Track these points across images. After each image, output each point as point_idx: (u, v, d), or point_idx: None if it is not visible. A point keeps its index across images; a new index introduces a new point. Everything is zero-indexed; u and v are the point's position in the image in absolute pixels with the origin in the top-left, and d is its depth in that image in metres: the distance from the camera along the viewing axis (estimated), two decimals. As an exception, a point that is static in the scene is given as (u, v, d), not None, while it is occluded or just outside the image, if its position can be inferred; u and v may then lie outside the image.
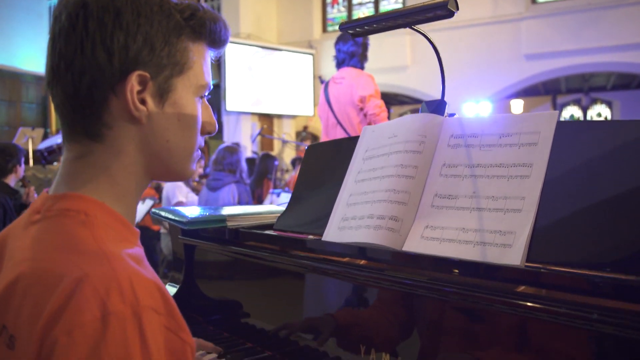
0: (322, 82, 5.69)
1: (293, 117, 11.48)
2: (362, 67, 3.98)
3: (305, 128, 11.77)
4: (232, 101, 10.47)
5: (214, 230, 1.61)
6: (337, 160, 1.49)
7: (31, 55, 10.08)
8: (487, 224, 1.10)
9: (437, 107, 1.31)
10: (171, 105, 0.80)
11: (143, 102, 0.77)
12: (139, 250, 0.76)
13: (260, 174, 5.99)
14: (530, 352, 0.90)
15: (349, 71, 3.95)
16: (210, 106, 0.92)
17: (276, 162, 6.08)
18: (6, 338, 0.69)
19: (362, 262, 1.19)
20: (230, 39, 0.94)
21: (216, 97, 10.15)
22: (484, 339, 0.96)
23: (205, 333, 1.49)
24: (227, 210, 1.75)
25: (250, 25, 11.03)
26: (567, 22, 9.22)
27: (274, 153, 8.52)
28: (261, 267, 1.48)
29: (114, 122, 0.77)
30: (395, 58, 10.33)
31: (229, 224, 1.63)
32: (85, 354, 0.61)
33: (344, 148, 1.48)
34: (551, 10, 9.53)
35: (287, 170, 8.13)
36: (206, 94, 0.88)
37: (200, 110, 0.86)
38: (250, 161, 6.44)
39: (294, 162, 7.05)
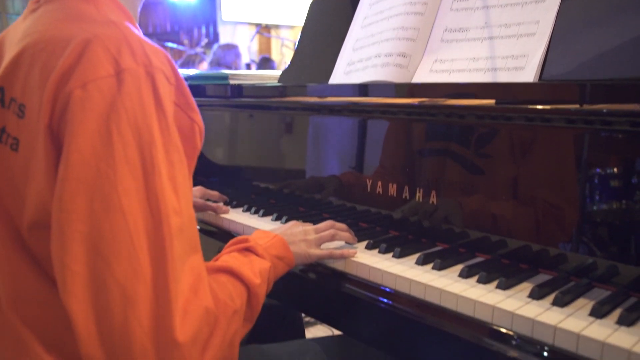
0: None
1: (291, 27, 11.15)
2: None
3: (303, 40, 11.40)
4: (228, 10, 10.10)
5: (216, 87, 1.58)
6: (341, 13, 1.44)
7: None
8: (499, 51, 1.07)
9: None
10: None
11: None
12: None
13: (259, 79, 5.84)
14: (544, 162, 0.90)
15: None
16: None
17: (275, 64, 5.94)
18: (16, 108, 0.67)
19: (372, 98, 1.17)
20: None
21: (212, 6, 9.80)
22: (500, 158, 0.96)
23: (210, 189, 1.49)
24: (228, 72, 1.72)
25: None
26: None
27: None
28: (265, 120, 1.47)
29: None
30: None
31: (232, 81, 1.60)
32: (102, 109, 0.60)
33: (349, 1, 1.42)
34: None
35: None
36: None
37: None
38: (247, 67, 6.29)
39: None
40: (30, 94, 0.66)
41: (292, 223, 1.00)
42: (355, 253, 0.96)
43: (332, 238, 0.99)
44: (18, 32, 0.74)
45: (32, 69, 0.66)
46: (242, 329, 0.76)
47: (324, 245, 0.98)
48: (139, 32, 0.69)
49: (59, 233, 0.60)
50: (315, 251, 0.94)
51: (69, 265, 0.59)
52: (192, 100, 0.73)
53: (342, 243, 1.02)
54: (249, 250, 0.84)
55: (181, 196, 0.65)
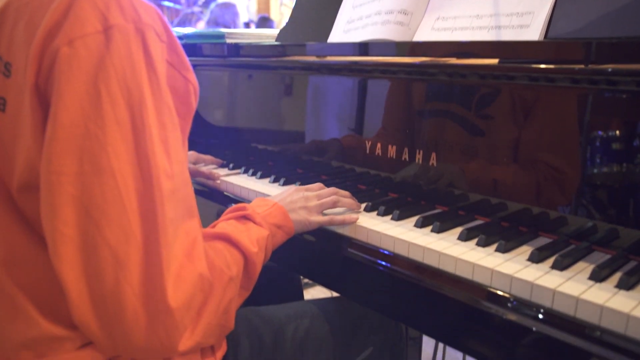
0: None
1: (290, -14, 10.88)
2: None
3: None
4: (226, -33, 9.84)
5: (212, 47, 1.54)
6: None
7: None
8: (503, 8, 1.04)
9: None
10: None
11: None
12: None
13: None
14: (547, 123, 0.88)
15: None
16: None
17: (274, 24, 5.82)
18: (2, 67, 0.65)
19: (372, 57, 1.14)
20: None
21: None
22: (502, 119, 0.94)
23: (210, 152, 1.47)
24: (225, 30, 1.67)
25: None
26: None
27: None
28: (263, 80, 1.44)
29: None
30: None
31: (228, 40, 1.56)
32: (90, 67, 0.58)
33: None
34: None
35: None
36: None
37: None
38: (246, 27, 6.16)
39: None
40: (15, 52, 0.63)
41: (293, 188, 0.98)
42: (357, 219, 0.94)
43: (334, 205, 0.97)
44: None
45: (17, 24, 0.63)
46: (239, 297, 0.75)
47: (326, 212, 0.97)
48: None
49: (48, 195, 0.58)
50: (316, 218, 0.93)
51: (59, 228, 0.58)
52: (186, 59, 0.70)
53: (344, 209, 1.00)
54: (246, 218, 0.83)
55: (173, 158, 0.63)
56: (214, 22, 4.44)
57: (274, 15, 8.61)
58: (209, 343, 0.70)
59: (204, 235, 0.75)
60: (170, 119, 0.64)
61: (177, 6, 6.92)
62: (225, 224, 0.80)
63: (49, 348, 0.66)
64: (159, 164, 0.61)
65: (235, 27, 4.46)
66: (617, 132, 0.81)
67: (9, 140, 0.64)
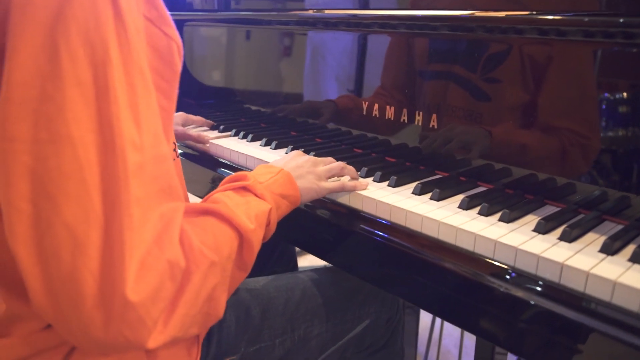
0: None
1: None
2: None
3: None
4: None
5: (202, 0, 1.45)
6: None
7: None
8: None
9: None
10: None
11: None
12: None
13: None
14: (555, 83, 0.81)
15: None
16: None
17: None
18: None
19: (372, 11, 1.06)
20: None
21: None
22: (507, 78, 0.87)
23: (199, 113, 1.40)
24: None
25: None
26: None
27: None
28: (256, 37, 1.35)
29: None
30: None
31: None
32: (47, 18, 0.50)
33: None
34: None
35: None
36: None
37: None
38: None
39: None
40: None
41: (295, 153, 0.90)
42: (367, 185, 0.87)
43: (341, 171, 0.90)
44: None
45: None
46: (232, 280, 0.67)
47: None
48: None
49: (2, 164, 0.51)
50: (326, 184, 0.85)
51: (13, 202, 0.51)
52: (167, 13, 0.62)
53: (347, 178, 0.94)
54: (246, 189, 0.74)
55: (144, 128, 0.55)
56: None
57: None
58: (191, 334, 0.62)
59: (192, 209, 0.67)
60: (143, 82, 0.55)
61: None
62: (221, 196, 0.71)
63: (13, 327, 0.61)
64: (124, 132, 0.53)
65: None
66: (631, 93, 0.74)
67: None
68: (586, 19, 0.74)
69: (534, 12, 0.80)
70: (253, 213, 0.70)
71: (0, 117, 0.51)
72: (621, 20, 0.71)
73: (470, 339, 1.76)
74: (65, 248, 0.51)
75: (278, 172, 0.79)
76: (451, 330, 1.92)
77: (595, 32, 0.74)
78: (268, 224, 0.73)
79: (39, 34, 0.50)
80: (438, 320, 1.76)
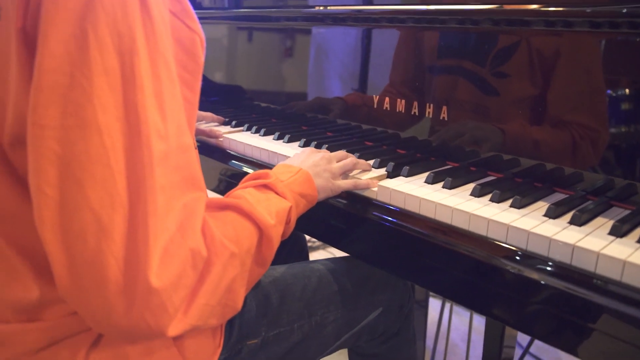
0: None
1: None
2: None
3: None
4: None
5: (211, -1, 1.48)
6: None
7: None
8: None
9: None
10: None
11: None
12: None
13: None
14: (561, 73, 0.84)
15: None
16: None
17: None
18: None
19: (379, 6, 1.08)
20: None
21: None
22: (515, 70, 0.89)
23: (210, 110, 1.43)
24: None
25: None
26: None
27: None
28: (267, 34, 1.38)
29: None
30: None
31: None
32: (77, 8, 0.52)
33: None
34: None
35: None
36: None
37: None
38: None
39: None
40: None
41: (309, 150, 0.93)
42: (378, 183, 0.90)
43: (354, 167, 0.92)
44: None
45: None
46: (251, 275, 0.68)
47: None
48: None
49: (33, 150, 0.53)
50: (341, 182, 0.88)
51: (41, 187, 0.53)
52: (190, 8, 0.65)
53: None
54: (267, 187, 0.76)
55: (169, 118, 0.56)
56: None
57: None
58: (210, 325, 0.63)
59: (215, 204, 0.69)
60: (168, 73, 0.57)
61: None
62: (242, 192, 0.73)
63: (43, 310, 0.63)
64: (150, 120, 0.54)
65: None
66: (636, 84, 0.77)
67: (0, 92, 0.59)
68: (589, 9, 0.76)
69: (541, 3, 0.82)
70: (274, 210, 0.71)
71: (31, 103, 0.53)
72: (624, 10, 0.73)
73: (477, 333, 1.78)
74: (90, 232, 0.52)
75: (297, 171, 0.82)
76: (458, 325, 1.94)
77: (601, 23, 0.77)
78: (288, 222, 0.75)
79: (69, 23, 0.52)
80: (446, 314, 1.78)
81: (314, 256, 2.36)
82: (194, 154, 0.63)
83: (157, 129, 0.55)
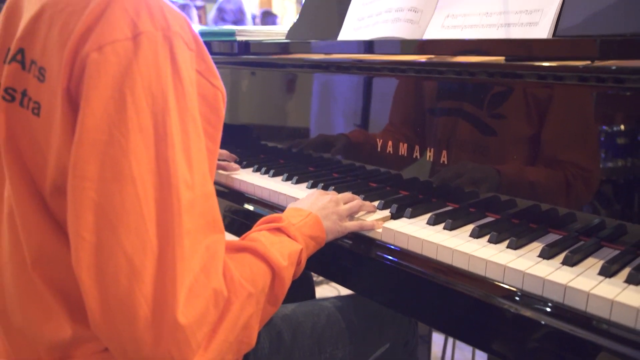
0: None
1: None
2: None
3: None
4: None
5: (222, 44, 1.56)
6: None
7: None
8: (512, 6, 1.05)
9: None
10: None
11: None
12: None
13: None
14: (555, 121, 0.90)
15: None
16: None
17: (277, 19, 5.82)
18: (36, 71, 0.66)
19: (378, 55, 1.15)
20: None
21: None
22: (511, 116, 0.95)
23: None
24: (236, 28, 1.69)
25: None
26: None
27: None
28: (273, 77, 1.45)
29: None
30: None
31: (239, 37, 1.57)
32: (117, 73, 0.59)
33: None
34: None
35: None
36: None
37: None
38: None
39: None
40: (49, 57, 0.64)
41: (317, 192, 0.99)
42: (382, 225, 0.95)
43: (359, 209, 0.98)
44: None
45: (51, 30, 0.64)
46: (264, 313, 0.74)
47: None
48: None
49: (72, 199, 0.59)
50: (348, 224, 0.93)
51: (80, 232, 0.59)
52: (213, 66, 0.72)
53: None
54: (280, 230, 0.82)
55: (195, 169, 0.63)
56: (219, 17, 4.44)
57: (276, 9, 8.60)
58: None
59: (232, 246, 0.75)
60: (195, 129, 0.64)
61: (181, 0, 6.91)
62: (257, 235, 0.79)
63: (74, 349, 0.67)
64: (179, 173, 0.61)
65: (245, 19, 4.46)
66: (623, 128, 0.83)
67: (43, 144, 0.65)
68: (581, 65, 0.83)
69: (533, 59, 0.89)
70: (286, 252, 0.77)
71: (72, 158, 0.60)
72: (614, 67, 0.79)
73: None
74: (123, 274, 0.58)
75: (307, 215, 0.88)
76: (462, 353, 1.96)
77: (589, 77, 0.83)
78: (299, 263, 0.81)
79: (109, 87, 0.59)
80: (449, 350, 1.81)
81: (318, 290, 2.39)
82: (216, 198, 0.69)
83: (185, 180, 0.62)
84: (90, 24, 0.60)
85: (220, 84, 0.72)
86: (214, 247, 0.65)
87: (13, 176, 0.68)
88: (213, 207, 0.67)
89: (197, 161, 0.64)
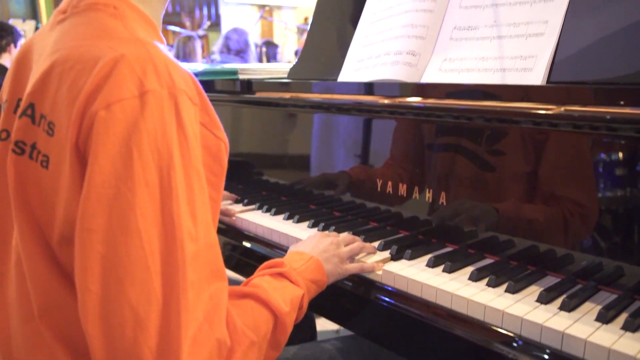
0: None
1: (294, 8, 11.04)
2: None
3: (306, 20, 11.35)
4: (230, -9, 10.00)
5: (224, 83, 1.59)
6: (351, 6, 1.44)
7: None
8: (507, 51, 1.08)
9: None
10: None
11: None
12: (169, 51, 0.75)
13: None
14: (552, 165, 0.92)
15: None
16: None
17: (278, 49, 5.92)
18: (45, 126, 0.68)
19: (377, 97, 1.18)
20: None
21: (213, -14, 9.70)
22: (508, 159, 0.98)
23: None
24: (238, 66, 1.72)
25: None
26: None
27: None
28: (275, 116, 1.48)
29: None
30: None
31: (241, 76, 1.61)
32: (124, 130, 0.61)
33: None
34: None
35: (289, 62, 7.90)
36: None
37: None
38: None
39: (296, 54, 6.87)
40: (58, 112, 0.67)
41: (319, 234, 1.00)
42: (382, 267, 0.97)
43: (360, 250, 1.00)
44: (46, 43, 0.74)
45: (61, 86, 0.67)
46: (266, 357, 0.75)
47: None
48: (164, 49, 0.70)
49: (80, 251, 0.61)
50: (348, 266, 0.95)
51: (86, 283, 0.60)
52: (216, 117, 0.74)
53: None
54: (282, 275, 0.83)
55: (199, 222, 0.65)
56: (224, 45, 4.51)
57: (277, 39, 8.74)
58: None
59: (235, 292, 0.76)
60: (199, 182, 0.66)
61: (182, 30, 7.05)
62: (260, 280, 0.80)
63: None
64: (184, 226, 0.62)
65: (249, 49, 4.54)
66: (620, 172, 0.85)
67: (51, 196, 0.67)
68: (576, 114, 0.85)
69: (529, 105, 0.92)
70: (288, 297, 0.79)
71: (80, 210, 0.61)
72: (608, 116, 0.82)
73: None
74: (128, 325, 0.59)
75: (309, 259, 0.89)
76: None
77: (583, 125, 0.86)
78: (301, 307, 0.82)
79: (117, 143, 0.61)
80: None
81: (319, 322, 2.38)
82: (219, 247, 0.70)
83: (189, 232, 0.63)
84: (98, 82, 0.62)
85: (223, 135, 0.74)
86: (217, 295, 0.66)
87: (21, 226, 0.70)
88: (216, 256, 0.68)
89: (201, 213, 0.66)
